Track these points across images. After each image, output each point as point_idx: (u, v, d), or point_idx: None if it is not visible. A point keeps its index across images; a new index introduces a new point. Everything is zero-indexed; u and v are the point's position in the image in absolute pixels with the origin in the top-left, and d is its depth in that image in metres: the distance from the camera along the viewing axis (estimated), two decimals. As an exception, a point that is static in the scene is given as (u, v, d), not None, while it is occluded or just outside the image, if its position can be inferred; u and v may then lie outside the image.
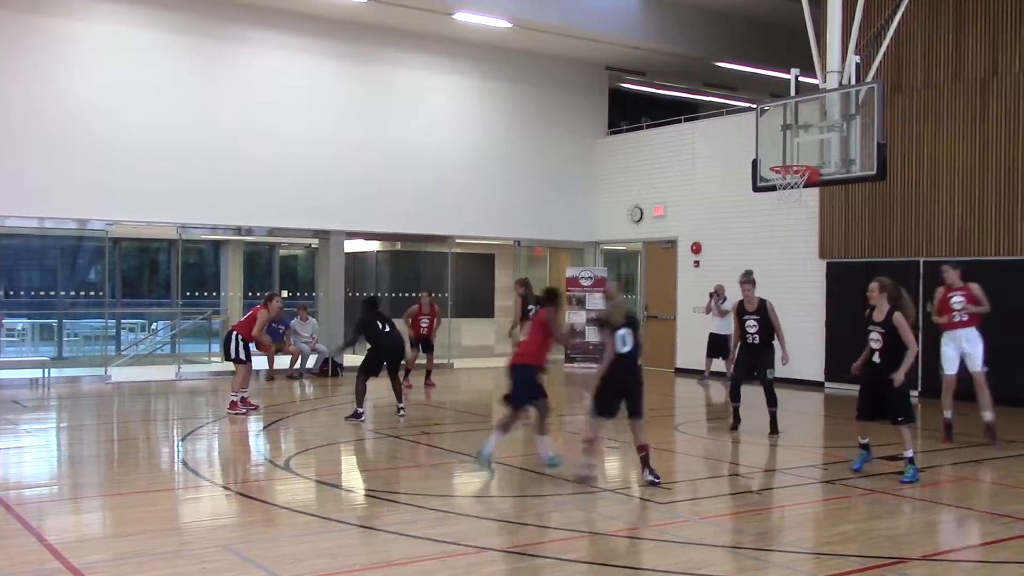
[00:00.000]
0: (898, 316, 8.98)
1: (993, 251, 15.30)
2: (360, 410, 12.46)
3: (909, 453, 8.99)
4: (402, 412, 12.96)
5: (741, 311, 12.05)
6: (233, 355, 13.21)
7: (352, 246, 20.63)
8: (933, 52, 16.19)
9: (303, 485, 8.96)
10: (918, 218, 16.30)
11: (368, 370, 12.59)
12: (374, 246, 21.94)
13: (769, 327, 11.83)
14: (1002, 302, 14.92)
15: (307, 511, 7.81)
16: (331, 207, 19.00)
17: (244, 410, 13.07)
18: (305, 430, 12.54)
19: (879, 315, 9.13)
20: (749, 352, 11.97)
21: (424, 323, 16.89)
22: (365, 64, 19.53)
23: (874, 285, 9.26)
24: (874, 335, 9.15)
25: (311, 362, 18.69)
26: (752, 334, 11.87)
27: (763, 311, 11.84)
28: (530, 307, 14.52)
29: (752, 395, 12.41)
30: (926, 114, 16.20)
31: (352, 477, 9.81)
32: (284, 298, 21.41)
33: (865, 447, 9.52)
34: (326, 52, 19.08)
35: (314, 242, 20.52)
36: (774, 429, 11.74)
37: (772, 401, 11.82)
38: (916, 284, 16.18)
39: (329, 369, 18.60)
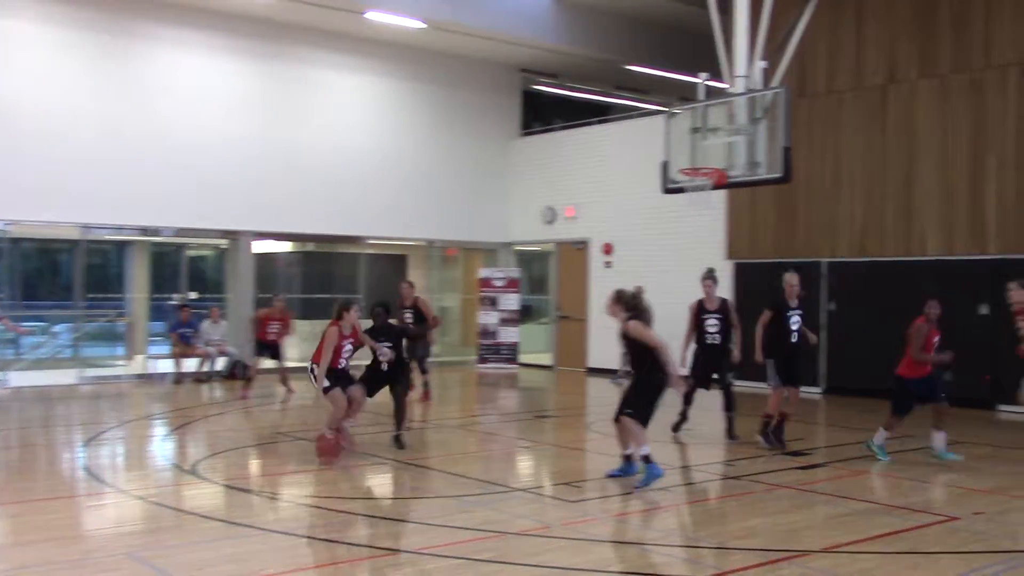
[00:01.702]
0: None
1: (892, 252, 15.80)
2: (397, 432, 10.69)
3: (644, 450, 8.61)
4: (401, 442, 10.67)
5: (701, 310, 11.66)
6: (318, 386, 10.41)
7: (262, 247, 20.32)
8: (835, 59, 16.65)
9: (211, 490, 8.80)
10: (821, 220, 16.75)
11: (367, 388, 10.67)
12: (285, 247, 21.65)
13: (729, 327, 11.58)
14: (900, 301, 15.44)
15: (215, 516, 7.66)
16: (240, 207, 18.69)
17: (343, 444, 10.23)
18: (214, 434, 12.31)
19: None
20: (709, 353, 11.60)
21: (274, 329, 15.69)
22: (276, 63, 19.26)
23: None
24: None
25: (220, 364, 18.36)
26: (713, 334, 11.55)
27: (725, 310, 11.61)
28: (405, 310, 14.43)
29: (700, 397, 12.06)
30: (829, 119, 16.66)
31: (262, 481, 9.66)
32: (192, 300, 21.04)
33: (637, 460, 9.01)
34: (236, 50, 18.77)
35: (223, 243, 20.16)
36: (731, 434, 11.49)
37: (730, 405, 11.59)
38: (818, 284, 16.64)
39: (239, 372, 18.28)
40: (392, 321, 11.19)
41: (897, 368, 10.29)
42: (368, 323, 10.79)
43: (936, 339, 10.24)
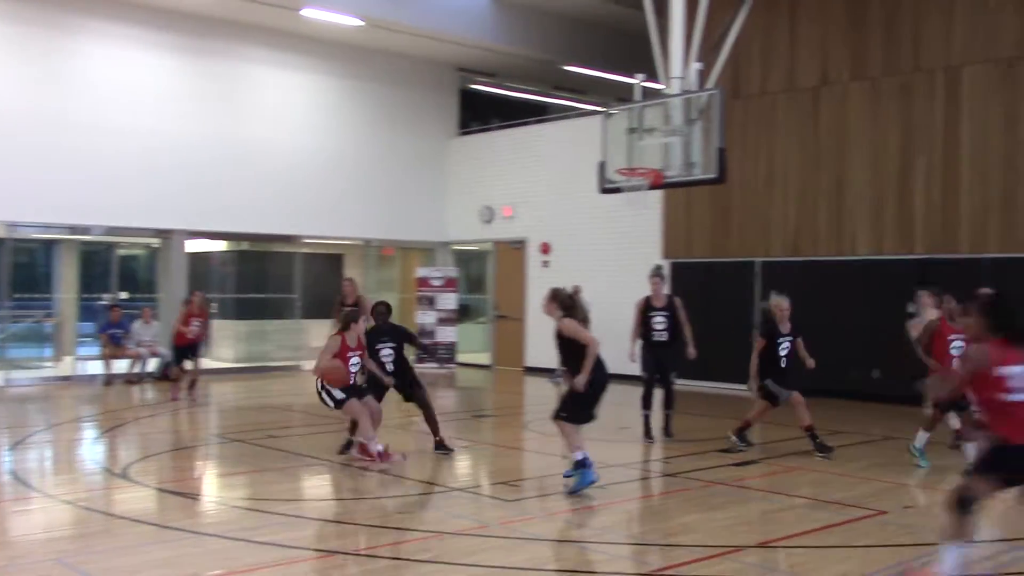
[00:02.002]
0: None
1: (824, 252, 16.08)
2: (356, 439, 9.98)
3: (577, 455, 8.37)
4: (446, 447, 10.25)
5: (648, 308, 11.56)
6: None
7: (195, 246, 20.00)
8: (769, 61, 16.90)
9: (142, 493, 8.62)
10: (755, 220, 16.98)
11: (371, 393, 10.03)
12: (219, 246, 21.33)
13: (677, 324, 11.50)
14: (832, 301, 15.75)
15: (146, 520, 7.51)
16: (173, 206, 18.36)
17: (375, 461, 9.53)
18: (145, 436, 12.07)
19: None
20: (656, 350, 11.51)
21: (195, 325, 15.07)
22: (211, 59, 18.97)
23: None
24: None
25: (152, 366, 18.02)
26: (660, 331, 11.45)
27: (672, 307, 11.52)
28: (347, 307, 14.22)
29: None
30: (763, 120, 16.90)
31: (194, 483, 9.50)
32: (123, 300, 20.62)
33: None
34: (171, 45, 18.43)
35: (155, 242, 19.79)
36: (668, 431, 11.51)
37: (671, 403, 11.61)
38: (753, 283, 16.88)
39: (171, 373, 17.96)
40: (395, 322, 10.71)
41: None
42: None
43: (954, 337, 9.52)
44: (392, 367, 10.23)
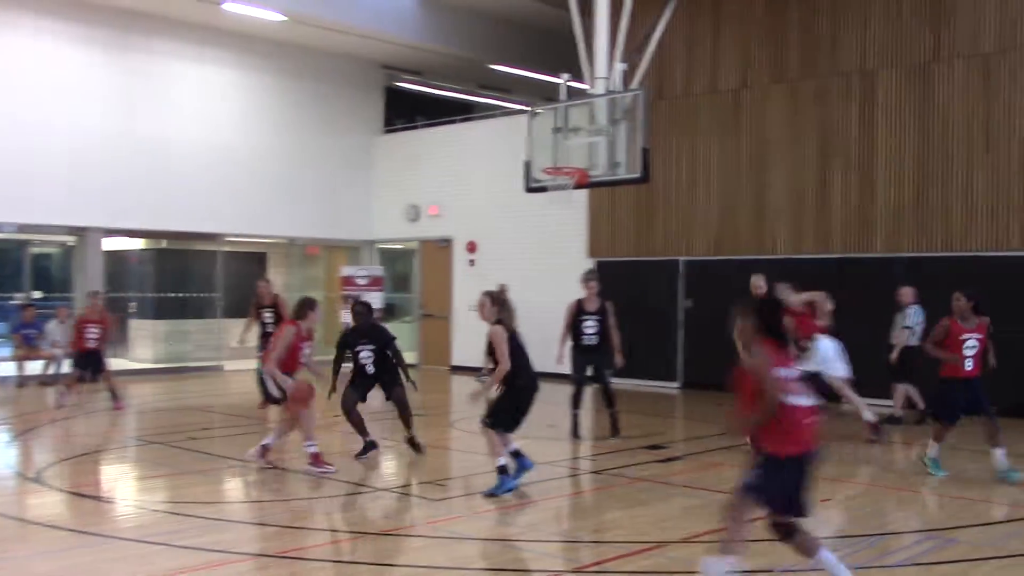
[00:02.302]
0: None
1: (745, 251, 16.35)
2: (370, 438, 9.99)
3: (499, 461, 8.33)
4: (417, 444, 10.24)
5: (580, 311, 11.52)
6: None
7: (112, 244, 19.52)
8: (692, 63, 17.13)
9: (57, 498, 8.40)
10: (679, 219, 17.20)
11: (354, 398, 9.99)
12: (137, 244, 20.86)
13: (607, 328, 11.48)
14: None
15: (62, 525, 7.32)
16: (89, 203, 17.89)
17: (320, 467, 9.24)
18: (60, 439, 11.75)
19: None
20: (586, 353, 11.50)
21: (92, 333, 13.70)
22: (129, 53, 18.53)
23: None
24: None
25: (66, 367, 17.53)
26: (590, 335, 11.42)
27: (604, 312, 11.49)
28: (264, 308, 14.04)
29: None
30: (686, 121, 17.11)
31: (112, 487, 9.27)
32: (38, 300, 20.04)
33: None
34: (89, 39, 17.96)
35: (70, 239, 19.28)
36: (616, 431, 11.48)
37: (612, 402, 11.57)
38: (676, 282, 17.09)
39: (87, 374, 17.51)
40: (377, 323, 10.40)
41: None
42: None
43: (967, 337, 9.10)
44: (373, 369, 10.04)
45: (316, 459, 9.15)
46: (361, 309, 10.17)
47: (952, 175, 14.35)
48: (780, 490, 5.35)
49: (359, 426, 10.03)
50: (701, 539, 6.97)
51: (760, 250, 16.18)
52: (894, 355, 12.63)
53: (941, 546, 6.93)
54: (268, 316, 13.86)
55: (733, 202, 16.55)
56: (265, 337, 13.23)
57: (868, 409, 11.28)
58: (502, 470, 8.30)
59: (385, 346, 10.17)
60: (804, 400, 5.35)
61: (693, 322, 16.95)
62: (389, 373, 10.17)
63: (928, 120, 14.59)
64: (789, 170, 15.96)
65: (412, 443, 10.25)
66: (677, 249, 17.21)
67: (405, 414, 10.20)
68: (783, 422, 5.23)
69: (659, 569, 6.30)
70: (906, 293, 12.82)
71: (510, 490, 8.33)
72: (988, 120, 14.05)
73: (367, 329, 10.15)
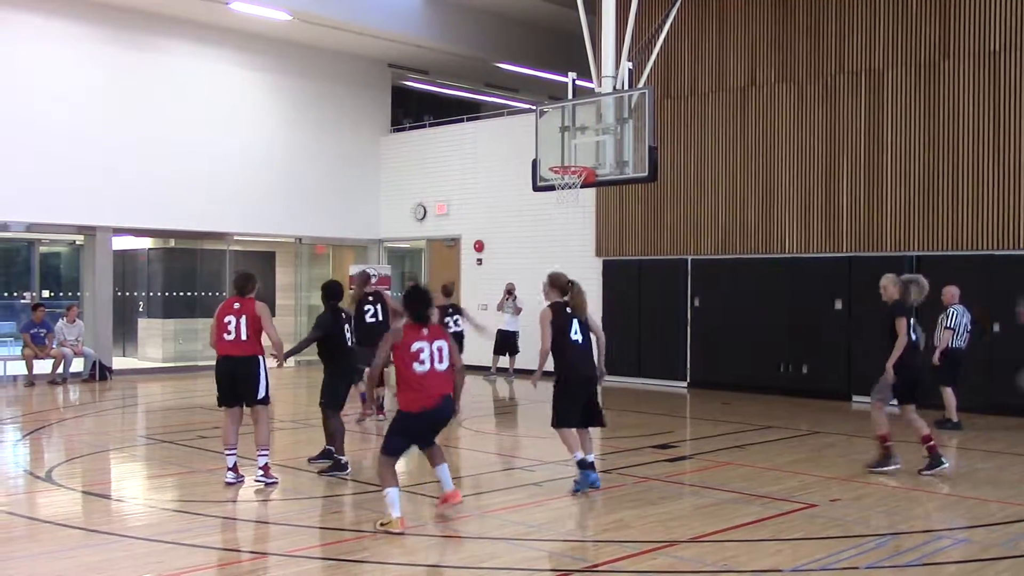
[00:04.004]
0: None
1: (753, 250, 16.33)
2: (344, 459, 9.36)
3: (576, 456, 8.51)
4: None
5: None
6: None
7: (121, 243, 19.58)
8: (698, 62, 17.11)
9: (68, 497, 8.43)
10: (686, 218, 17.18)
11: (336, 403, 9.56)
12: (146, 243, 20.92)
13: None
14: (760, 298, 16.03)
15: (72, 524, 7.34)
16: (98, 202, 17.94)
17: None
18: (70, 438, 11.79)
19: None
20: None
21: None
22: (139, 53, 18.57)
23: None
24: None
25: (78, 366, 17.60)
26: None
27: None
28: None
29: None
30: (693, 120, 17.10)
31: (122, 486, 9.30)
32: (47, 299, 20.12)
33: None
34: (97, 38, 18.00)
35: (79, 238, 19.34)
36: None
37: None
38: (684, 281, 17.08)
39: (97, 373, 17.60)
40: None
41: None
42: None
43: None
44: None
45: (266, 470, 8.78)
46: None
47: (960, 174, 14.31)
48: (408, 433, 7.38)
49: (337, 436, 9.53)
50: (710, 538, 6.97)
51: (767, 249, 16.16)
52: (936, 357, 12.06)
53: (952, 546, 6.93)
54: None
55: (740, 201, 16.53)
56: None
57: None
58: (580, 464, 8.48)
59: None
60: None
61: (700, 321, 16.93)
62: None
63: (936, 118, 14.54)
64: (797, 169, 15.92)
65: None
66: (684, 248, 17.20)
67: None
68: (417, 383, 7.16)
69: (668, 569, 6.30)
70: (950, 292, 12.30)
71: (593, 484, 8.46)
72: (996, 118, 14.00)
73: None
